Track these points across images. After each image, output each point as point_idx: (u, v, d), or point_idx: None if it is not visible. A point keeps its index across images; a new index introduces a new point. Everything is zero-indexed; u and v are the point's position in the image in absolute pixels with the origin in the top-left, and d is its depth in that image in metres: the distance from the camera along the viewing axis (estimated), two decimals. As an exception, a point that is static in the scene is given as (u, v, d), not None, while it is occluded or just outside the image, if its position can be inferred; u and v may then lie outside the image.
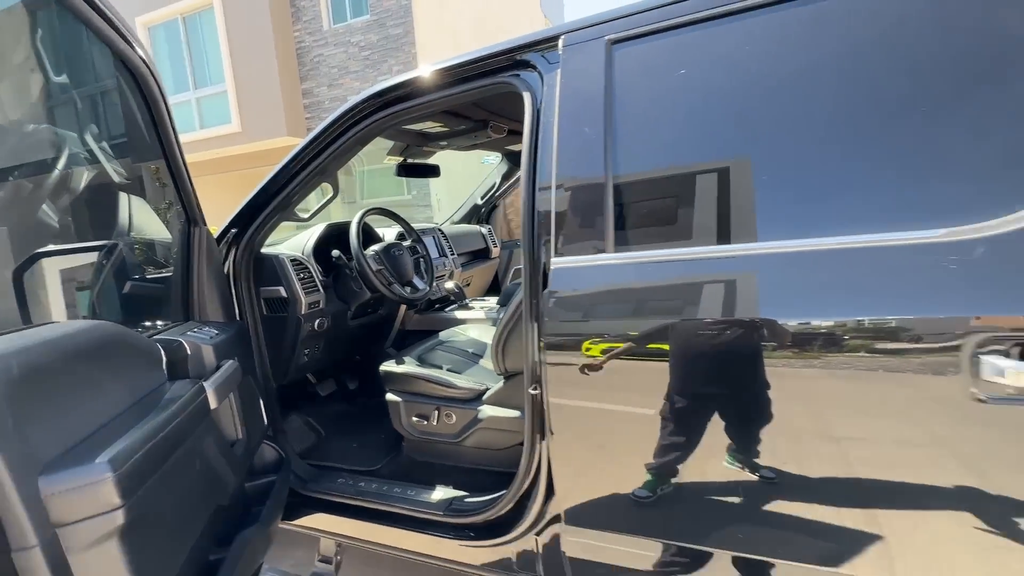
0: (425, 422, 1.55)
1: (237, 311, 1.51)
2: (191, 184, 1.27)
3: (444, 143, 2.06)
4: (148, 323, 1.27)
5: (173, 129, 1.19)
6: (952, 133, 0.79)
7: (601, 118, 1.03)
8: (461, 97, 1.30)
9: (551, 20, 15.83)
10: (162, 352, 1.03)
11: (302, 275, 1.68)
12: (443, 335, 1.89)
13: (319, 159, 1.43)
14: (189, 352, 1.10)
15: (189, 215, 1.30)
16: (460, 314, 2.17)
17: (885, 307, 0.80)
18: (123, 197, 1.34)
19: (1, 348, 0.68)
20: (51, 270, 1.21)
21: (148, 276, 1.40)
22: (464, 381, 1.53)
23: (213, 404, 1.04)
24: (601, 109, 1.03)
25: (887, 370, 0.79)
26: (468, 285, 2.75)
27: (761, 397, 0.87)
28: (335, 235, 1.91)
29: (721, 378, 0.93)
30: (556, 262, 1.03)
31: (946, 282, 0.76)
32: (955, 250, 0.75)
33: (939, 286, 0.76)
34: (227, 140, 9.35)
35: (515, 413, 1.41)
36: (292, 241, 1.90)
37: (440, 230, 2.53)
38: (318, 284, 1.72)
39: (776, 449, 0.88)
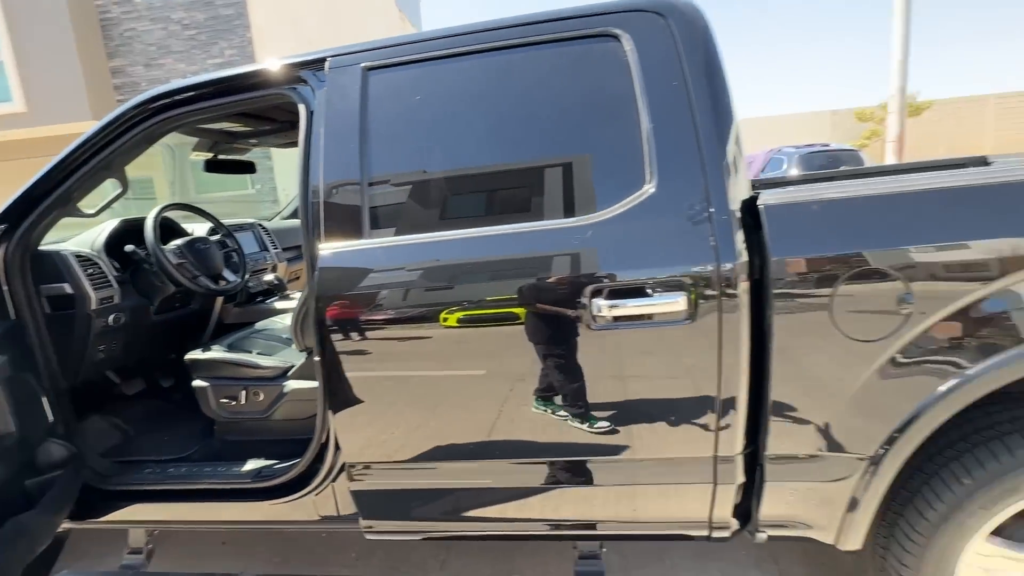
0: (233, 402, 1.67)
1: (12, 309, 1.46)
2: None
3: (254, 141, 2.14)
4: None
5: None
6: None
7: (357, 130, 1.27)
8: (245, 104, 1.45)
9: (405, 14, 15.74)
10: None
11: (90, 271, 1.66)
12: (259, 324, 1.99)
13: (102, 154, 1.46)
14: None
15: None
16: (281, 305, 2.27)
17: (538, 273, 1.17)
18: None
19: None
20: None
21: None
22: (270, 361, 1.68)
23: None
24: (357, 123, 1.28)
25: (541, 314, 1.17)
26: (298, 279, 2.82)
27: (469, 345, 1.20)
28: (133, 231, 1.89)
29: (439, 335, 1.23)
30: (322, 247, 1.25)
31: (570, 250, 1.15)
32: (577, 231, 1.15)
33: (566, 254, 1.16)
34: (7, 121, 7.76)
35: (315, 384, 1.61)
36: (80, 237, 1.84)
37: (261, 225, 2.57)
38: (111, 280, 1.71)
39: (488, 387, 1.22)
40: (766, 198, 1.12)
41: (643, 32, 1.19)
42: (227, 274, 2.00)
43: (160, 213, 1.85)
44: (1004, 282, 1.02)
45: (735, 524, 1.26)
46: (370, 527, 1.39)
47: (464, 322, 1.20)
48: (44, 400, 1.44)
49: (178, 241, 1.88)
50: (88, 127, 1.44)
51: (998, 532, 1.18)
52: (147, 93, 1.43)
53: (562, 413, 1.21)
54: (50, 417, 1.45)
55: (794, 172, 8.40)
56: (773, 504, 1.22)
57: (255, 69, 1.43)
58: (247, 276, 2.11)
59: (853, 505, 1.16)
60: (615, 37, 1.20)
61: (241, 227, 2.38)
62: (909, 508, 1.20)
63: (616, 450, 1.22)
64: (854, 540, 1.19)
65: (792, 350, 1.11)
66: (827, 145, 9.07)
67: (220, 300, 2.20)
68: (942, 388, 1.06)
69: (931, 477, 1.19)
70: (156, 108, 1.41)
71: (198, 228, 2.21)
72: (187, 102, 1.42)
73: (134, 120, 1.41)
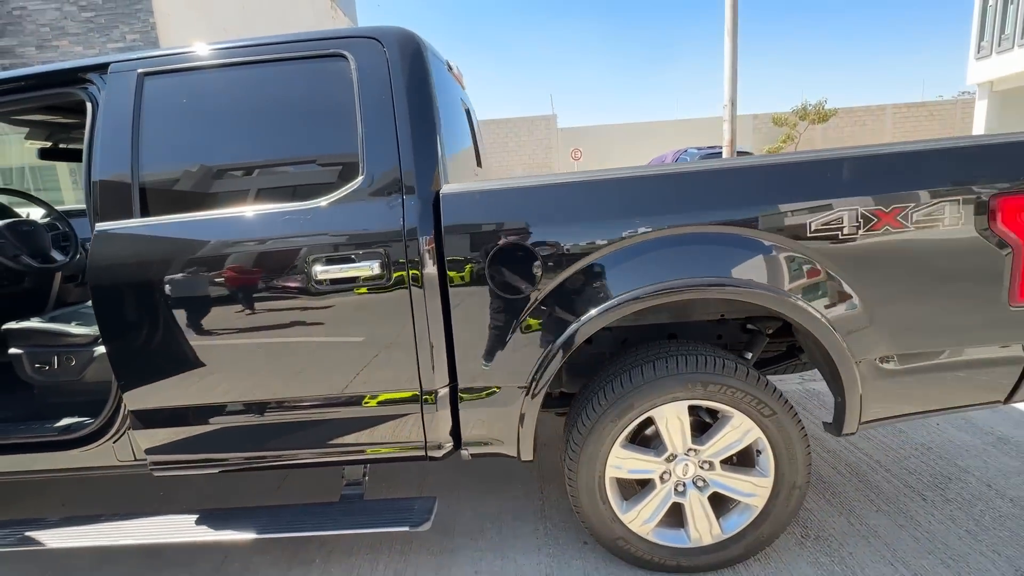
0: (47, 367, 1.85)
1: None
2: None
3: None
4: None
5: None
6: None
7: (129, 127, 1.51)
8: (42, 100, 1.65)
9: (337, 3, 15.50)
10: None
11: None
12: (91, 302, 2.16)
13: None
14: None
15: None
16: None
17: (272, 246, 1.45)
18: None
19: None
20: None
21: None
22: (83, 330, 1.88)
23: None
24: (130, 121, 1.51)
25: (275, 280, 1.46)
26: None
27: (222, 307, 1.48)
28: None
29: (194, 300, 1.49)
30: (99, 226, 1.48)
31: (299, 229, 1.45)
32: (303, 213, 1.44)
33: (296, 233, 1.45)
34: None
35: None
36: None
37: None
38: None
39: (239, 342, 1.50)
40: (447, 188, 1.46)
41: (363, 54, 1.49)
42: (55, 254, 2.15)
43: None
44: (596, 255, 1.40)
45: (448, 446, 1.60)
46: (157, 464, 1.64)
47: (217, 288, 1.47)
48: None
49: None
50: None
51: (632, 440, 1.58)
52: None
53: (303, 363, 1.51)
54: None
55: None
56: (470, 428, 1.57)
57: (50, 69, 1.63)
58: (78, 256, 2.27)
59: (521, 421, 1.52)
60: (344, 57, 1.50)
61: (83, 212, 2.52)
62: (571, 426, 1.58)
63: (348, 390, 1.53)
64: (526, 452, 1.56)
65: (465, 306, 1.45)
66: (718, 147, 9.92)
67: (58, 278, 2.34)
68: (566, 332, 1.44)
69: (581, 401, 1.58)
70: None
71: (36, 213, 2.34)
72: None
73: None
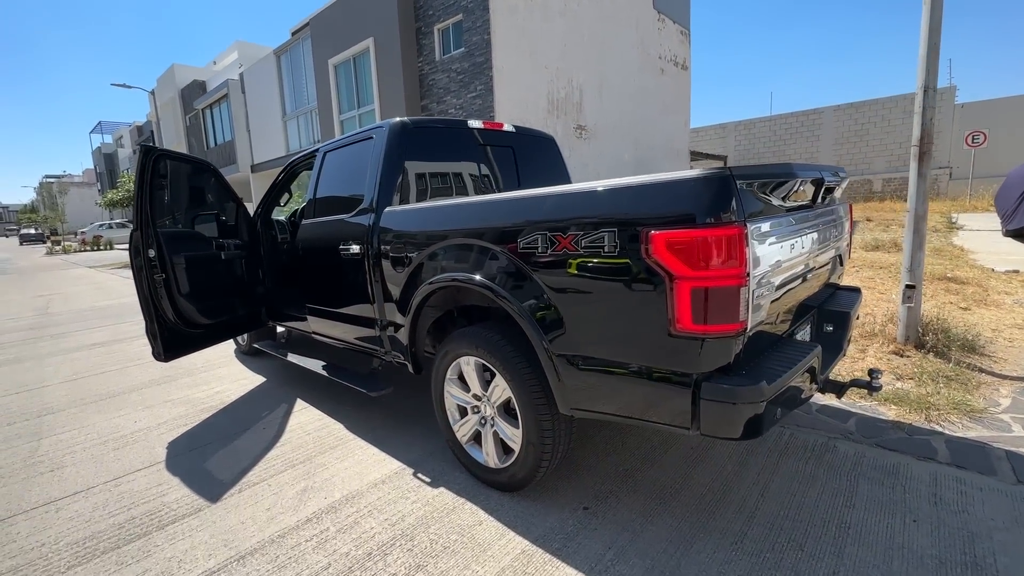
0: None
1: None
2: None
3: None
4: None
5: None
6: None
7: (316, 176, 3.32)
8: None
9: (666, 15, 16.37)
10: None
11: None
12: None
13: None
14: None
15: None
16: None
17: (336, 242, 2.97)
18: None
19: None
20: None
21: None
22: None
23: None
24: (317, 175, 3.32)
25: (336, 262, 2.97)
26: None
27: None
28: None
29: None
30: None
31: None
32: (354, 222, 2.90)
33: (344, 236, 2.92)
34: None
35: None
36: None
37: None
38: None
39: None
40: (388, 209, 2.62)
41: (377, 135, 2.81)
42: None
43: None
44: (435, 247, 2.29)
45: (388, 356, 2.78)
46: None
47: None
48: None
49: None
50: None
51: (460, 378, 2.38)
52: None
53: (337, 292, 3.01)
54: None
55: None
56: (391, 344, 2.70)
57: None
58: None
59: (411, 343, 2.55)
60: (371, 138, 2.86)
61: None
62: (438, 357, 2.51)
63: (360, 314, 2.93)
64: (415, 367, 2.58)
65: (387, 280, 2.60)
66: None
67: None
68: (419, 292, 2.39)
69: (439, 343, 2.48)
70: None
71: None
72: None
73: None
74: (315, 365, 3.41)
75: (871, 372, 1.98)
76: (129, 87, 22.67)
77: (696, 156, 19.85)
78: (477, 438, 2.34)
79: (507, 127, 3.32)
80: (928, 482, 2.11)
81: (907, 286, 3.42)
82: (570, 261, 1.71)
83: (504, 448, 2.21)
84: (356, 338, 3.01)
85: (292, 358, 3.67)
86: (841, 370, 3.24)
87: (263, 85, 18.88)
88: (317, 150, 3.42)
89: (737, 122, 22.63)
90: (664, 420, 1.62)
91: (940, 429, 2.55)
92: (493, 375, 2.16)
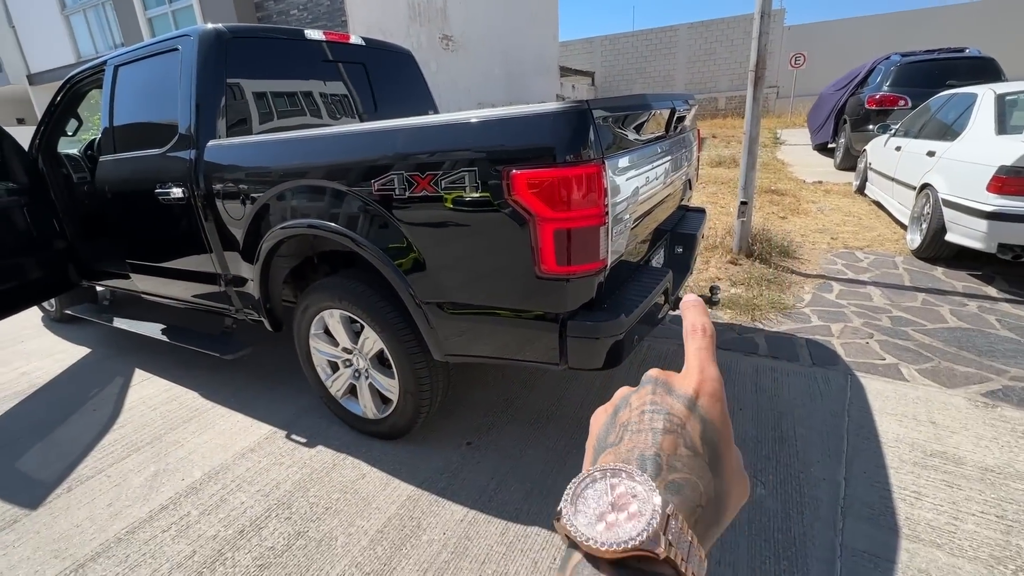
0: None
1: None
2: None
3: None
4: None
5: None
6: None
7: (109, 98, 2.61)
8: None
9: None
10: None
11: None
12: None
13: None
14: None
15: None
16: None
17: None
18: None
19: None
20: None
21: None
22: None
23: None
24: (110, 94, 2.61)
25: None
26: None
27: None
28: None
29: None
30: (98, 158, 2.70)
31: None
32: (170, 158, 2.37)
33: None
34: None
35: None
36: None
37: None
38: None
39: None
40: (211, 143, 2.17)
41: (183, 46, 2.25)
42: None
43: None
44: (278, 188, 1.97)
45: (232, 309, 2.47)
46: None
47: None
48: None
49: None
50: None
51: (326, 332, 2.20)
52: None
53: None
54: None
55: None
56: (240, 301, 2.39)
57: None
58: None
59: (264, 298, 2.26)
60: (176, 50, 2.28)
61: None
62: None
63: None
64: (273, 324, 2.32)
65: (224, 227, 2.22)
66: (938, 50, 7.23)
67: None
68: (267, 240, 2.08)
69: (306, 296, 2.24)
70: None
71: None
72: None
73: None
74: (152, 330, 2.93)
75: (712, 288, 2.22)
76: None
77: (565, 72, 19.79)
78: (353, 391, 2.23)
79: (354, 39, 2.88)
80: (751, 374, 2.52)
81: (741, 202, 3.86)
82: (431, 203, 1.58)
83: (382, 399, 2.14)
84: (197, 296, 2.61)
85: (120, 323, 3.11)
86: (690, 284, 3.65)
87: (23, -37, 14.22)
88: (105, 63, 2.68)
89: (603, 37, 22.75)
90: (535, 359, 1.65)
91: (761, 326, 3.02)
92: (362, 327, 2.03)
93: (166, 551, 1.70)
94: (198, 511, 1.87)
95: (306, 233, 1.92)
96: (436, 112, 3.34)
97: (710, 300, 2.20)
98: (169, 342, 2.78)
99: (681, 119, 2.21)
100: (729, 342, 2.85)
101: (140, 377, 2.96)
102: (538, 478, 1.91)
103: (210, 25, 2.26)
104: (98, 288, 3.52)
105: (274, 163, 1.98)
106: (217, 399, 2.65)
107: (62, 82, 2.96)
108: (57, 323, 3.91)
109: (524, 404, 2.41)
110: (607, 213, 1.45)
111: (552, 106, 1.39)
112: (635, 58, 22.33)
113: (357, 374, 2.15)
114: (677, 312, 2.73)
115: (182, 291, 2.65)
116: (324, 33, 2.70)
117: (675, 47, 21.40)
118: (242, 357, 2.59)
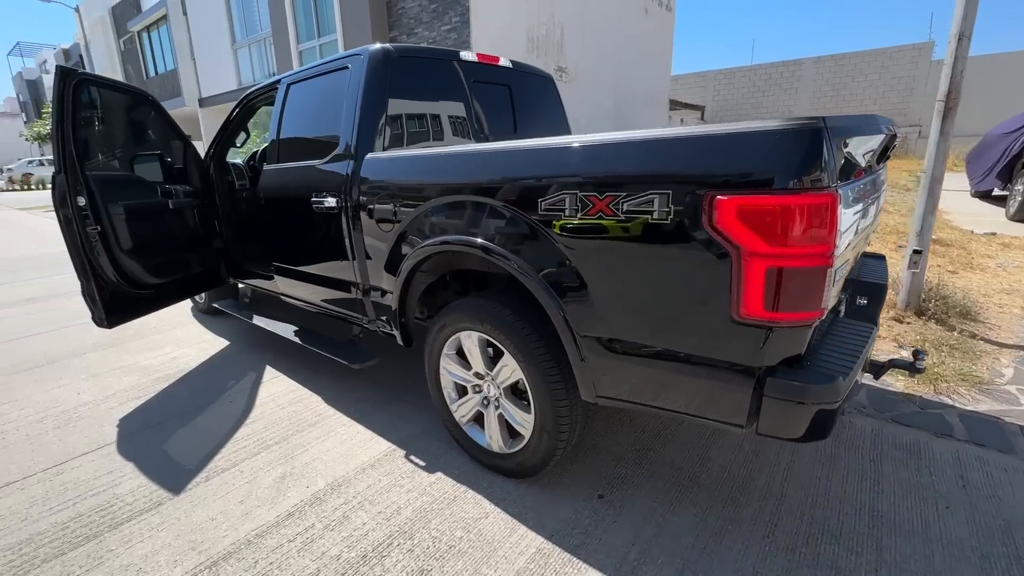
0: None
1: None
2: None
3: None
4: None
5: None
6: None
7: (279, 113, 2.82)
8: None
9: (653, -52, 15.26)
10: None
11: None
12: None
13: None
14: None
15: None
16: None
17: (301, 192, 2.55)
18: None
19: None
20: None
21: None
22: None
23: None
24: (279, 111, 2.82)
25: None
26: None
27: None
28: None
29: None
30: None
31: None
32: (328, 170, 2.48)
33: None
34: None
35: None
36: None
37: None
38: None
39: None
40: (370, 155, 2.22)
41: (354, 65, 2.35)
42: None
43: None
44: (433, 202, 1.94)
45: (379, 323, 2.47)
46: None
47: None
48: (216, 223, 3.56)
49: None
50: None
51: (459, 353, 2.10)
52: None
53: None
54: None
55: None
56: (371, 313, 2.39)
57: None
58: None
59: (399, 312, 2.23)
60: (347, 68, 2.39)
61: None
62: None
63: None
64: (405, 339, 2.28)
65: (369, 238, 2.24)
66: None
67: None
68: (414, 255, 2.05)
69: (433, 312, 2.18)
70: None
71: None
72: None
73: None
74: (286, 330, 3.06)
75: (916, 353, 1.82)
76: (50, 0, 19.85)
77: (675, 105, 19.32)
78: (479, 419, 2.10)
79: (503, 61, 2.89)
80: (952, 462, 2.03)
81: (914, 251, 3.30)
82: (607, 228, 1.42)
83: (510, 431, 1.99)
84: (332, 302, 2.67)
85: (259, 321, 3.30)
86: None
87: (208, 6, 16.86)
88: (279, 82, 2.91)
89: (717, 71, 22.00)
90: (713, 416, 1.41)
91: (950, 402, 2.48)
92: (500, 353, 1.90)
93: (292, 564, 1.64)
94: (322, 525, 1.81)
95: (459, 251, 1.85)
96: (571, 136, 3.25)
97: (913, 366, 1.80)
98: (300, 344, 2.88)
99: (889, 149, 1.88)
100: (911, 417, 2.36)
101: (270, 374, 3.10)
102: (689, 555, 1.62)
103: (379, 44, 2.34)
104: (240, 285, 3.81)
105: (431, 177, 1.96)
106: (339, 406, 2.67)
107: (240, 99, 3.28)
108: (202, 314, 4.29)
109: (660, 458, 2.13)
110: (834, 253, 1.19)
111: (775, 122, 1.18)
112: (751, 92, 21.28)
113: (486, 402, 2.03)
114: (872, 380, 2.21)
115: (319, 296, 2.73)
116: (477, 55, 2.72)
117: (798, 81, 20.08)
118: (368, 367, 2.59)
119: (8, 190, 23.12)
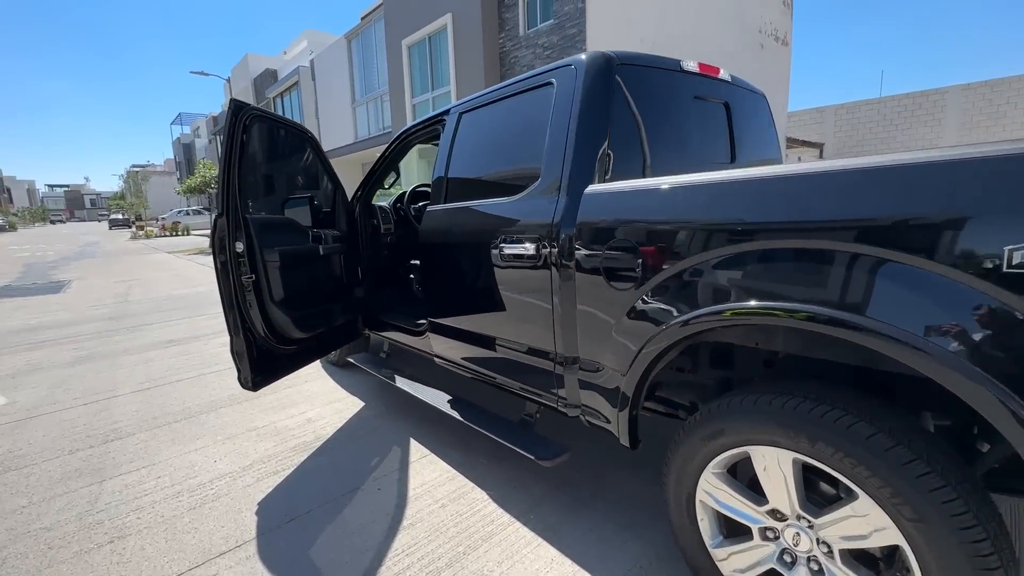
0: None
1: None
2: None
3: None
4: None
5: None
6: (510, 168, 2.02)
7: (448, 147, 2.43)
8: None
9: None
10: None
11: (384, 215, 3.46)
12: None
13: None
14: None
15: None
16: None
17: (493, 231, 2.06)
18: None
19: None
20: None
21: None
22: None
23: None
24: (449, 142, 2.43)
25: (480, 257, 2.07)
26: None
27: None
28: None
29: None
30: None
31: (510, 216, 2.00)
32: (526, 209, 1.99)
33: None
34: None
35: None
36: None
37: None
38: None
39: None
40: (592, 188, 1.67)
41: (560, 78, 1.87)
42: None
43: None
44: (696, 259, 1.33)
45: (575, 409, 1.85)
46: (437, 356, 2.62)
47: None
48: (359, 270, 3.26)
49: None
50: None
51: (731, 473, 1.41)
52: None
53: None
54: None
55: None
56: (573, 393, 1.77)
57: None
58: None
59: (633, 401, 1.60)
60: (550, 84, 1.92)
61: None
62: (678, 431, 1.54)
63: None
64: (631, 440, 1.64)
65: (587, 298, 1.66)
66: None
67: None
68: (681, 326, 1.43)
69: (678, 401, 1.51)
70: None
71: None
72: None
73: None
74: (439, 400, 2.56)
75: None
76: (206, 74, 23.24)
77: (792, 143, 17.83)
78: (766, 579, 1.36)
79: (723, 74, 2.29)
80: None
81: None
82: None
83: (842, 619, 1.23)
84: (509, 373, 2.12)
85: (404, 385, 2.84)
86: None
87: (333, 71, 18.64)
88: (447, 112, 2.54)
89: (838, 105, 20.16)
90: None
91: None
92: (844, 494, 1.19)
93: None
94: None
95: (796, 326, 1.18)
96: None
97: None
98: (461, 421, 2.34)
99: None
100: None
101: (417, 451, 2.58)
102: None
103: (599, 51, 1.85)
104: (372, 337, 3.45)
105: (713, 215, 1.34)
106: (512, 509, 2.06)
107: (396, 135, 2.99)
108: (333, 366, 4.00)
109: None
110: None
111: None
112: (881, 126, 19.16)
113: (791, 559, 1.30)
114: None
115: (490, 362, 2.20)
116: (698, 64, 2.15)
117: (942, 112, 17.76)
118: (560, 464, 1.97)
119: (161, 235, 26.67)
